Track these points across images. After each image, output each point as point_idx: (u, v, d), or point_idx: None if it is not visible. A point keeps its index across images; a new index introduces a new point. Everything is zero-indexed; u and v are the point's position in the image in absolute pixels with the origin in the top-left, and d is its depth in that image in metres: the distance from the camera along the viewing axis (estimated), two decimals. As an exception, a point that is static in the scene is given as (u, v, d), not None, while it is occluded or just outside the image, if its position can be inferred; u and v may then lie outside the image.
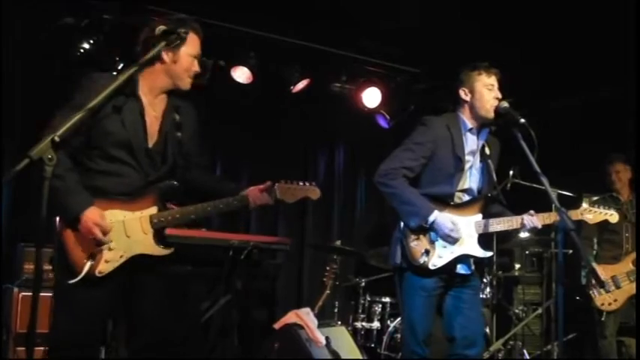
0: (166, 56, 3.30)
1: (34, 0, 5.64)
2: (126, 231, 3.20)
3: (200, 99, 6.89)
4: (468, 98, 4.15)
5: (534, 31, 6.32)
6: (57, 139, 2.71)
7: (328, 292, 6.19)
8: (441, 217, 3.96)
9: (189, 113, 3.52)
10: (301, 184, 3.56)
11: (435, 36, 6.72)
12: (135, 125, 3.22)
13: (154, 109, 3.33)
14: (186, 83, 3.38)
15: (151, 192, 3.27)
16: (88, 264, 3.10)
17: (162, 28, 3.29)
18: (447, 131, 4.13)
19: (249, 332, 5.88)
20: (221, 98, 7.23)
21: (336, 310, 6.50)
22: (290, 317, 5.45)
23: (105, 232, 3.11)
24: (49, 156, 2.68)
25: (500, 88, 4.13)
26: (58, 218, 3.15)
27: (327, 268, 6.31)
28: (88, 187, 3.14)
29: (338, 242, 6.60)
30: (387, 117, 7.89)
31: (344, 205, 8.38)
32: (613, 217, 4.22)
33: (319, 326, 5.47)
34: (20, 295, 5.40)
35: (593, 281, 5.78)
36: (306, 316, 5.39)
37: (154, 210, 3.27)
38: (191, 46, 3.37)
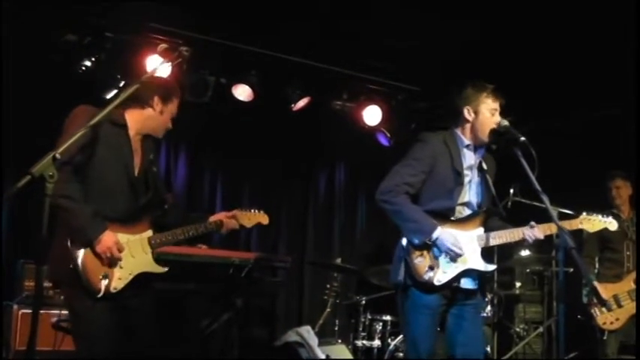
0: (157, 106, 3.66)
1: (36, 18, 5.67)
2: (131, 252, 3.53)
3: (201, 116, 7.05)
4: (470, 118, 4.13)
5: (535, 49, 6.36)
6: (58, 156, 2.75)
7: (329, 310, 6.19)
8: (444, 233, 3.95)
9: (156, 154, 3.95)
10: (253, 211, 4.21)
11: (436, 54, 6.75)
12: (126, 154, 3.58)
13: (135, 143, 3.66)
14: (160, 134, 3.79)
15: (145, 216, 3.65)
16: (104, 282, 3.40)
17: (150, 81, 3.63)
18: (445, 146, 4.13)
19: (249, 350, 5.85)
20: (222, 116, 7.26)
21: (336, 328, 6.49)
22: (290, 335, 5.44)
23: (121, 251, 3.45)
24: (50, 173, 2.73)
25: (502, 113, 4.14)
26: (69, 242, 3.37)
27: (328, 285, 6.31)
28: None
29: (338, 260, 6.61)
30: (388, 135, 7.91)
31: (344, 222, 8.39)
32: (612, 224, 4.21)
33: (319, 344, 5.46)
34: (20, 313, 5.40)
35: (595, 300, 5.75)
36: (306, 334, 5.38)
37: (150, 232, 3.64)
38: (176, 104, 3.76)
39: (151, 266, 3.62)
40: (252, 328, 6.04)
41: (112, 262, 3.43)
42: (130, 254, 3.52)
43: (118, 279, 3.46)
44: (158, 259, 3.65)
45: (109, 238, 3.39)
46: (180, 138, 7.41)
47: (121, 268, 3.47)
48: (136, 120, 3.63)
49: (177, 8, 6.13)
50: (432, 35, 6.44)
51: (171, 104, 3.70)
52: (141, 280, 3.56)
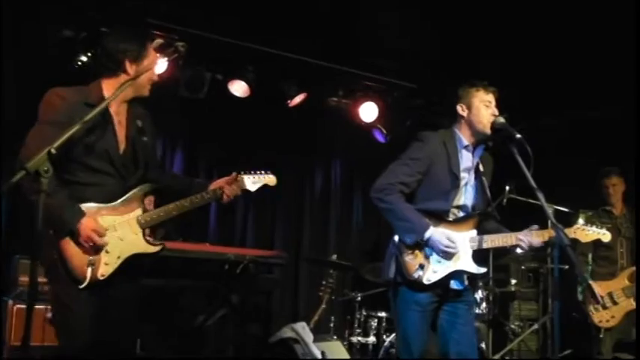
0: (130, 69, 3.45)
1: (32, 13, 5.66)
2: (118, 234, 3.39)
3: (197, 112, 7.04)
4: (465, 114, 4.16)
5: (531, 47, 6.36)
6: (53, 150, 2.75)
7: (324, 306, 6.19)
8: (436, 233, 3.95)
9: (148, 118, 3.70)
10: (259, 172, 3.96)
11: (432, 52, 6.75)
12: (108, 135, 3.40)
13: (118, 117, 3.49)
14: (146, 92, 3.56)
15: (134, 196, 3.48)
16: (90, 269, 3.27)
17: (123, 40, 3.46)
18: (443, 148, 4.13)
19: (244, 346, 5.86)
20: (218, 112, 7.25)
21: (332, 325, 6.50)
22: (285, 331, 5.44)
23: (102, 236, 3.29)
24: (45, 168, 2.73)
25: (498, 106, 4.14)
26: (52, 232, 3.25)
27: (323, 282, 6.31)
28: (74, 199, 3.29)
29: (334, 257, 6.61)
30: (384, 131, 7.91)
31: (340, 219, 8.38)
32: (605, 236, 4.18)
33: (315, 341, 5.46)
34: (15, 308, 5.36)
35: (590, 298, 5.78)
36: (301, 331, 5.38)
37: (139, 212, 3.48)
38: (152, 59, 3.53)
39: (141, 247, 3.46)
40: (247, 324, 6.04)
41: (96, 248, 3.30)
42: (118, 237, 3.39)
43: (105, 264, 3.33)
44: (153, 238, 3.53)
45: (87, 225, 3.24)
46: (176, 134, 7.40)
47: (107, 252, 3.34)
48: (111, 89, 3.44)
49: (174, 4, 6.14)
50: (428, 32, 6.44)
51: (145, 60, 3.48)
52: (133, 263, 3.42)
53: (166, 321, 5.14)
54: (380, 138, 7.97)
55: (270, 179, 4.00)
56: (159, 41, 3.39)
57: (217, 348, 5.56)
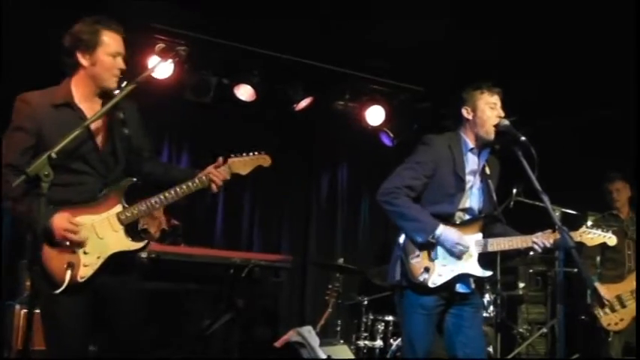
0: (84, 60, 3.30)
1: (33, 15, 5.67)
2: (97, 233, 3.25)
3: (203, 116, 7.04)
4: (470, 117, 4.14)
5: (538, 49, 6.34)
6: (54, 155, 2.75)
7: (330, 310, 6.19)
8: (447, 230, 3.95)
9: (131, 109, 3.54)
10: (252, 154, 3.65)
11: (439, 54, 6.73)
12: (83, 134, 3.21)
13: (92, 111, 3.33)
14: (111, 83, 3.36)
15: (113, 192, 3.33)
16: (69, 272, 3.15)
17: (73, 33, 3.32)
18: (449, 151, 4.12)
19: (250, 350, 5.85)
20: (224, 116, 7.26)
21: (338, 329, 6.48)
22: (291, 335, 5.44)
23: (76, 232, 3.16)
24: (46, 172, 2.74)
25: (503, 108, 4.12)
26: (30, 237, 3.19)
27: (330, 286, 6.30)
28: (52, 202, 3.14)
29: (340, 260, 6.60)
30: (391, 135, 7.90)
31: (347, 223, 8.38)
32: (611, 240, 4.14)
33: (321, 345, 5.45)
34: (22, 312, 5.39)
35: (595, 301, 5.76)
36: (307, 334, 5.37)
37: (119, 208, 3.33)
38: (108, 45, 3.32)
39: (123, 244, 3.30)
40: (253, 328, 6.04)
41: (74, 247, 3.17)
42: (97, 236, 3.24)
43: (85, 266, 3.19)
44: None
45: (59, 224, 3.11)
46: (182, 138, 7.41)
47: (86, 253, 3.19)
48: (80, 86, 3.33)
49: (179, 8, 6.14)
50: (435, 35, 6.43)
51: (99, 48, 3.29)
52: (118, 262, 3.28)
53: (172, 325, 5.14)
54: (387, 141, 7.96)
55: (264, 159, 3.71)
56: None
57: (223, 351, 5.56)
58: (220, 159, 3.54)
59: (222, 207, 7.54)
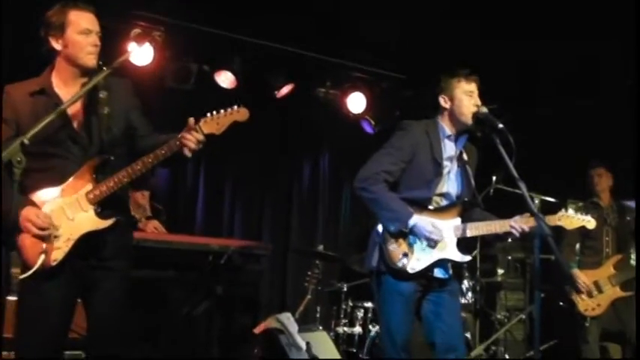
0: (57, 44, 3.28)
1: (17, 5, 5.61)
2: (67, 215, 3.22)
3: (183, 103, 7.01)
4: (447, 105, 4.15)
5: (522, 36, 6.35)
6: (26, 141, 2.74)
7: (309, 297, 6.20)
8: (420, 220, 3.95)
9: (122, 87, 3.50)
10: (225, 110, 3.36)
11: (421, 42, 6.73)
12: (57, 119, 3.17)
13: (68, 95, 3.29)
14: (87, 61, 3.30)
15: (83, 171, 3.27)
16: (42, 257, 3.14)
17: (44, 20, 3.30)
18: (426, 136, 4.13)
19: (230, 338, 5.85)
20: (204, 103, 7.21)
21: (318, 315, 6.51)
22: (270, 322, 5.44)
23: (39, 225, 3.13)
24: (18, 159, 2.72)
25: (480, 95, 4.13)
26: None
27: (309, 273, 6.32)
28: (27, 187, 3.17)
29: (320, 247, 6.61)
30: (372, 123, 7.90)
31: (328, 210, 8.39)
32: (590, 223, 4.19)
33: (300, 331, 5.46)
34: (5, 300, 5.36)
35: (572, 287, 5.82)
36: (286, 321, 5.38)
37: (89, 187, 3.26)
38: (76, 23, 3.28)
39: (93, 224, 3.23)
40: (234, 315, 6.03)
41: (44, 236, 3.15)
42: (66, 217, 3.21)
43: (57, 249, 3.17)
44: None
45: (26, 214, 3.12)
46: (162, 125, 7.34)
47: (56, 237, 3.17)
48: (60, 71, 3.31)
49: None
50: (416, 22, 6.42)
51: (68, 28, 3.25)
52: (92, 244, 3.25)
53: (150, 313, 5.12)
54: (368, 129, 7.96)
55: (239, 113, 3.38)
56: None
57: (202, 339, 5.55)
58: (192, 120, 3.31)
59: (203, 194, 7.52)
